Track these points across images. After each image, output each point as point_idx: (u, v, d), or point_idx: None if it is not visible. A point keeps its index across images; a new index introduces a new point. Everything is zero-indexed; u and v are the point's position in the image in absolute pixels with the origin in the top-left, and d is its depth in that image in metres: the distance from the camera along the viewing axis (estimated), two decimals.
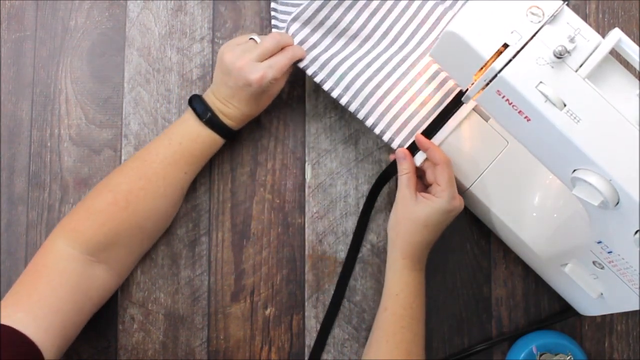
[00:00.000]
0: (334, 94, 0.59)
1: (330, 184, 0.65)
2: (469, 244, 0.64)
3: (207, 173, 0.65)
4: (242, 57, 0.55)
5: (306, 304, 0.64)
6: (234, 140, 0.63)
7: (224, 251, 0.64)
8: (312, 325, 0.64)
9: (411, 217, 0.55)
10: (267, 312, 0.64)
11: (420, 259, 0.57)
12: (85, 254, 0.54)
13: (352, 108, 0.59)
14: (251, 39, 0.58)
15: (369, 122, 0.59)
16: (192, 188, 0.65)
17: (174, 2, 0.67)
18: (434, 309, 0.64)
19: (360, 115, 0.59)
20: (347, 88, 0.59)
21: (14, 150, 0.65)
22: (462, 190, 0.60)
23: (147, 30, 0.67)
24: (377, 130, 0.60)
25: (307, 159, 0.65)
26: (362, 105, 0.59)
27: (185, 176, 0.59)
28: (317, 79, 0.59)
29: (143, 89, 0.66)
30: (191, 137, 0.58)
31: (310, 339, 0.64)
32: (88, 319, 0.56)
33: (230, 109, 0.58)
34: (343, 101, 0.59)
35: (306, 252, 0.65)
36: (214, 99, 0.58)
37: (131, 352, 0.63)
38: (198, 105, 0.58)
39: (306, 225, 0.65)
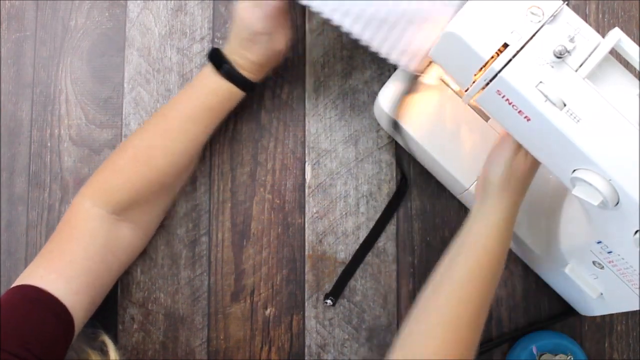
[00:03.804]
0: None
1: (330, 184, 0.65)
2: None
3: (207, 173, 0.65)
4: (244, 5, 0.56)
5: (306, 304, 0.64)
6: (252, 93, 0.60)
7: (224, 251, 0.64)
8: (312, 326, 0.64)
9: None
10: (267, 312, 0.64)
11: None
12: (112, 213, 0.55)
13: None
14: None
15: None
16: (192, 188, 0.65)
17: (174, 2, 0.67)
18: None
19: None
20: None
21: (14, 150, 0.65)
22: (462, 190, 0.60)
23: (147, 31, 0.67)
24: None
25: (307, 159, 0.65)
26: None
27: (206, 130, 0.59)
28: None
29: (143, 89, 0.66)
30: (210, 91, 0.58)
31: (310, 339, 0.64)
32: (116, 280, 0.58)
33: (242, 59, 0.57)
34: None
35: (306, 252, 0.65)
36: (230, 51, 0.58)
37: (131, 352, 0.63)
38: (215, 57, 0.58)
39: (306, 225, 0.65)
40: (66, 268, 0.51)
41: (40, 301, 0.49)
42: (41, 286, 0.49)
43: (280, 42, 0.58)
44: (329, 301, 0.63)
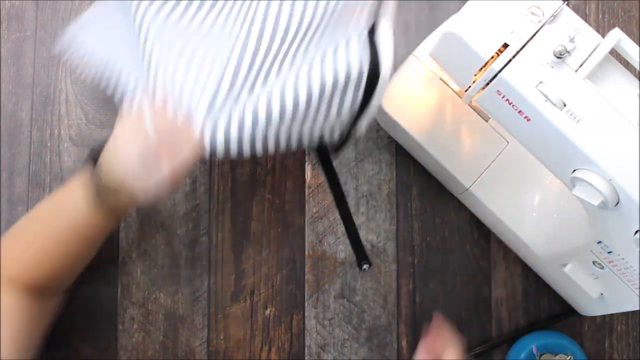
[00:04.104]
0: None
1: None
2: (469, 244, 0.64)
3: (207, 173, 0.65)
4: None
5: (306, 304, 0.64)
6: None
7: (224, 251, 0.64)
8: (312, 325, 0.64)
9: None
10: (267, 312, 0.64)
11: None
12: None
13: None
14: None
15: None
16: (192, 188, 0.65)
17: None
18: (434, 309, 0.64)
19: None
20: None
21: (14, 150, 0.65)
22: (462, 190, 0.60)
23: None
24: None
25: (307, 159, 0.65)
26: None
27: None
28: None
29: None
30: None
31: (310, 339, 0.64)
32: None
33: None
34: None
35: (306, 252, 0.65)
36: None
37: (131, 352, 0.63)
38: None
39: (306, 225, 0.65)
40: None
41: None
42: None
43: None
44: (366, 266, 0.63)
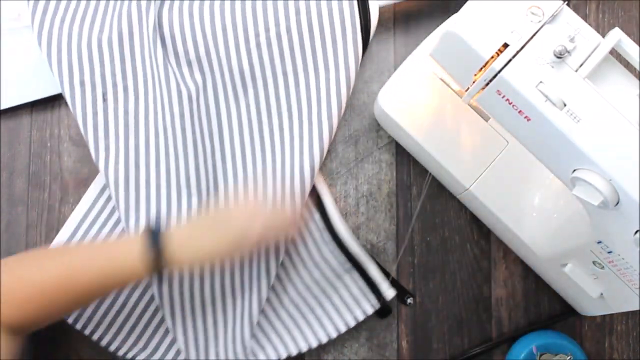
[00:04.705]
0: None
1: (330, 184, 0.65)
2: (469, 244, 0.64)
3: None
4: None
5: None
6: None
7: None
8: None
9: None
10: None
11: None
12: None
13: None
14: None
15: None
16: None
17: None
18: (434, 309, 0.64)
19: None
20: None
21: (14, 150, 0.65)
22: (462, 190, 0.60)
23: None
24: None
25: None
26: None
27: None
28: None
29: None
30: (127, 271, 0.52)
31: None
32: None
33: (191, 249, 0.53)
34: None
35: None
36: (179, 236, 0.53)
37: None
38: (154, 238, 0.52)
39: None
40: None
41: None
42: None
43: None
44: (410, 300, 0.63)
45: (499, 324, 0.64)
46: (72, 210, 0.63)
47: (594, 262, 0.52)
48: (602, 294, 0.56)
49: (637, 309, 0.50)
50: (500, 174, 0.59)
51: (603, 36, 0.43)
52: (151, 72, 0.61)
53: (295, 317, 0.62)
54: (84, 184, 0.64)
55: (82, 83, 0.61)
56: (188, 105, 0.60)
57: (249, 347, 0.60)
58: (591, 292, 0.56)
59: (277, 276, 0.61)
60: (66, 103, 0.66)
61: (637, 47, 0.43)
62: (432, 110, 0.60)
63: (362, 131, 0.65)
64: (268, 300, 0.61)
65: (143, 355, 0.61)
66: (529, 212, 0.59)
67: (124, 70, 0.62)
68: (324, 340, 0.62)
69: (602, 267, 0.52)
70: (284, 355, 0.61)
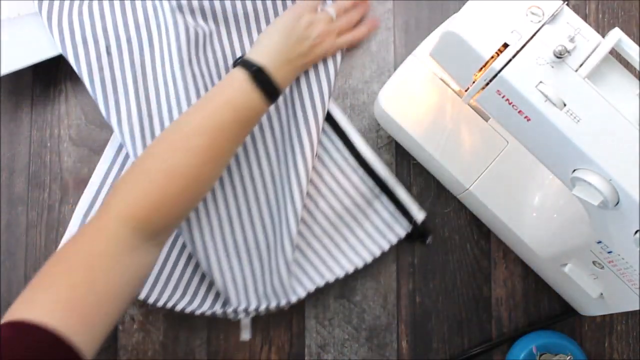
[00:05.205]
0: None
1: None
2: (469, 244, 0.64)
3: None
4: (322, 30, 0.59)
5: (306, 304, 0.64)
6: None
7: None
8: (312, 325, 0.64)
9: None
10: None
11: None
12: (145, 238, 0.48)
13: None
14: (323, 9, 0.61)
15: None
16: None
17: None
18: (434, 309, 0.64)
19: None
20: None
21: (14, 150, 0.65)
22: (462, 190, 0.60)
23: None
24: None
25: None
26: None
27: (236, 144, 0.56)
28: None
29: None
30: (242, 102, 0.54)
31: (310, 339, 0.64)
32: (129, 305, 0.51)
33: (283, 64, 0.57)
34: None
35: None
36: (268, 57, 0.56)
37: (131, 352, 0.63)
38: (248, 65, 0.55)
39: None
40: (76, 303, 0.41)
41: (44, 345, 0.38)
42: (49, 325, 0.39)
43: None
44: (429, 240, 0.64)
45: (499, 324, 0.64)
46: (73, 210, 0.63)
47: (594, 262, 0.52)
48: (602, 294, 0.56)
49: (637, 309, 0.50)
50: (500, 174, 0.59)
51: (603, 36, 0.43)
52: (155, 21, 0.61)
53: (329, 247, 0.62)
54: (84, 183, 0.64)
55: (84, 40, 0.60)
56: (195, 49, 0.60)
57: (287, 282, 0.59)
58: (591, 292, 0.56)
59: (307, 208, 0.61)
60: (66, 102, 0.66)
61: (637, 47, 0.43)
62: (432, 111, 0.60)
63: (362, 131, 0.65)
64: (301, 233, 0.61)
65: (182, 303, 0.60)
66: (529, 212, 0.59)
67: (126, 23, 0.61)
68: (360, 265, 0.61)
69: (602, 267, 0.52)
70: (322, 283, 0.61)
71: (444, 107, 0.60)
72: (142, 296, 0.59)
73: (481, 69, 0.44)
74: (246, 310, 0.59)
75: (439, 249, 0.64)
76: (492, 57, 0.43)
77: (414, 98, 0.60)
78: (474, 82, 0.45)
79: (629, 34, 0.66)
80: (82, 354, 0.39)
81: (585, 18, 0.66)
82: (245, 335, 0.61)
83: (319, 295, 0.64)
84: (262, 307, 0.60)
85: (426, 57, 0.59)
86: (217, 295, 0.62)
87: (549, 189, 0.59)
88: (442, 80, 0.60)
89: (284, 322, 0.64)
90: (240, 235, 0.61)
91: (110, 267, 0.45)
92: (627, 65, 0.46)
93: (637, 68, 0.43)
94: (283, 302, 0.60)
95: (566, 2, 0.43)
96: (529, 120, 0.43)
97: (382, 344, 0.64)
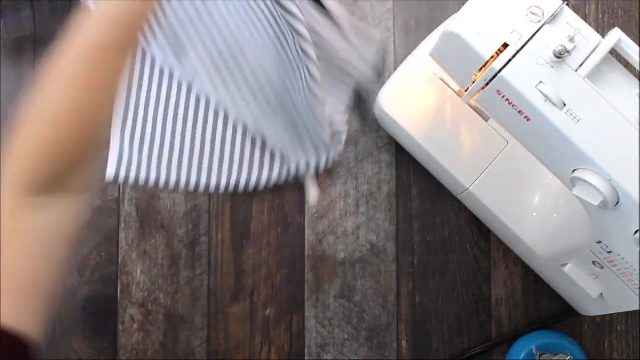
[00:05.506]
0: None
1: (330, 184, 0.65)
2: (469, 244, 0.64)
3: None
4: None
5: (306, 304, 0.64)
6: None
7: (224, 251, 0.64)
8: (312, 325, 0.64)
9: None
10: (267, 312, 0.64)
11: None
12: (36, 194, 0.43)
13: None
14: None
15: None
16: None
17: None
18: (434, 309, 0.64)
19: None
20: None
21: None
22: (462, 190, 0.60)
23: None
24: None
25: None
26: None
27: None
28: None
29: None
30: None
31: (310, 339, 0.64)
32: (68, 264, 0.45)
33: None
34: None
35: (306, 252, 0.65)
36: None
37: (131, 352, 0.63)
38: None
39: (306, 225, 0.65)
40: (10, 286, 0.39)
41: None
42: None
43: None
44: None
45: (499, 324, 0.64)
46: None
47: (594, 262, 0.52)
48: (602, 294, 0.56)
49: (637, 309, 0.50)
50: (500, 174, 0.59)
51: (603, 36, 0.43)
52: None
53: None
54: None
55: None
56: None
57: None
58: (591, 292, 0.56)
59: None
60: None
61: (637, 47, 0.43)
62: (432, 111, 0.60)
63: (362, 131, 0.65)
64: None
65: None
66: (529, 212, 0.59)
67: None
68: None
69: (602, 267, 0.52)
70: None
71: (444, 107, 0.60)
72: (151, 182, 0.51)
73: (481, 69, 0.44)
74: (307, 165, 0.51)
75: (439, 249, 0.64)
76: (492, 57, 0.43)
77: (414, 98, 0.60)
78: (474, 82, 0.45)
79: (629, 34, 0.66)
80: (29, 338, 0.37)
81: (585, 18, 0.66)
82: (313, 194, 0.52)
83: (319, 295, 0.64)
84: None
85: (426, 57, 0.59)
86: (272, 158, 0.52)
87: (549, 189, 0.59)
88: (442, 80, 0.60)
89: (284, 322, 0.64)
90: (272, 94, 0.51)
91: (23, 242, 0.41)
92: (627, 65, 0.46)
93: (637, 68, 0.43)
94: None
95: (566, 2, 0.43)
96: (529, 120, 0.43)
97: (382, 344, 0.64)
